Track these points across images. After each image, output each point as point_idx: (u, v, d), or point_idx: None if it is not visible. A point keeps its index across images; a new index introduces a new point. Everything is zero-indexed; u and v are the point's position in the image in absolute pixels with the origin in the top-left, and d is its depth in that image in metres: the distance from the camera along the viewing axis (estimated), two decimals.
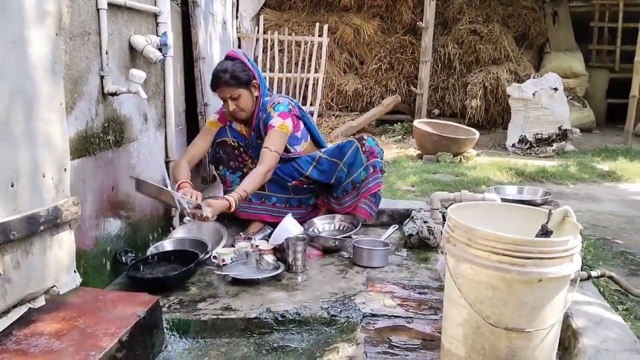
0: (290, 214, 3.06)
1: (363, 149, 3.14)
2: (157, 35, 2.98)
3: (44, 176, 1.83)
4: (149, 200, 3.00)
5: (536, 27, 8.72)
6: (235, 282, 2.58)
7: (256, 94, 3.06)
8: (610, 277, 2.59)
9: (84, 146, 2.31)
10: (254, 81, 3.02)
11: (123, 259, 2.57)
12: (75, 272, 2.05)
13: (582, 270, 2.38)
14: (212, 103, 3.98)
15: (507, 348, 1.73)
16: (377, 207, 3.27)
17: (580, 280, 2.34)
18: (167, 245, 2.92)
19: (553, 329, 1.76)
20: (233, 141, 3.09)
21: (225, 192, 3.18)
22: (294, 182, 3.19)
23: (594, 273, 2.50)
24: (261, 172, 2.87)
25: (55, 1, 1.85)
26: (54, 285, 1.92)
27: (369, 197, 3.18)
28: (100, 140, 2.45)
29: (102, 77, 2.45)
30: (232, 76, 2.94)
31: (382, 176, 3.26)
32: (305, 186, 3.24)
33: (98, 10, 2.39)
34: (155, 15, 3.01)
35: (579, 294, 2.21)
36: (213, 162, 3.25)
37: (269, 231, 3.11)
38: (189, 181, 2.88)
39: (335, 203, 3.27)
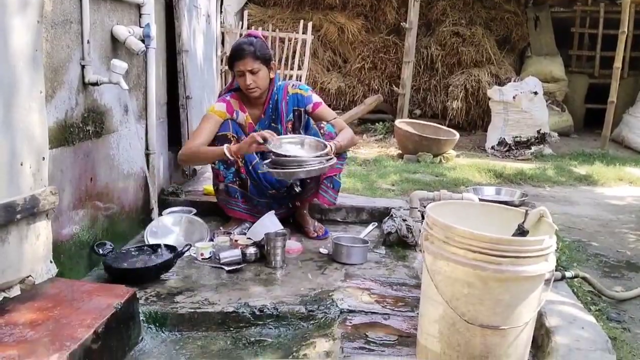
0: (272, 212, 3.05)
1: (322, 131, 3.09)
2: (140, 27, 2.96)
3: (22, 165, 1.81)
4: (128, 192, 2.99)
5: (518, 31, 8.79)
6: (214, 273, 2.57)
7: (272, 75, 3.09)
8: (584, 278, 2.63)
9: (63, 136, 2.29)
10: (272, 62, 3.07)
11: (100, 250, 2.52)
12: (51, 262, 2.03)
13: (556, 270, 2.41)
14: (194, 96, 3.95)
15: (481, 345, 1.75)
16: (336, 192, 3.21)
17: (555, 281, 2.37)
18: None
19: (527, 327, 1.79)
20: (233, 136, 3.05)
21: (216, 185, 3.17)
22: (273, 191, 3.18)
23: (568, 274, 2.54)
24: (351, 132, 3.19)
25: None
26: (30, 275, 1.90)
27: (325, 181, 3.13)
28: (80, 130, 2.43)
29: (83, 67, 2.43)
30: (257, 50, 2.97)
31: (344, 163, 3.21)
32: (285, 195, 3.24)
33: None
34: (139, 7, 2.99)
35: (553, 293, 2.25)
36: None
37: (248, 226, 3.10)
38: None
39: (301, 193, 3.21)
